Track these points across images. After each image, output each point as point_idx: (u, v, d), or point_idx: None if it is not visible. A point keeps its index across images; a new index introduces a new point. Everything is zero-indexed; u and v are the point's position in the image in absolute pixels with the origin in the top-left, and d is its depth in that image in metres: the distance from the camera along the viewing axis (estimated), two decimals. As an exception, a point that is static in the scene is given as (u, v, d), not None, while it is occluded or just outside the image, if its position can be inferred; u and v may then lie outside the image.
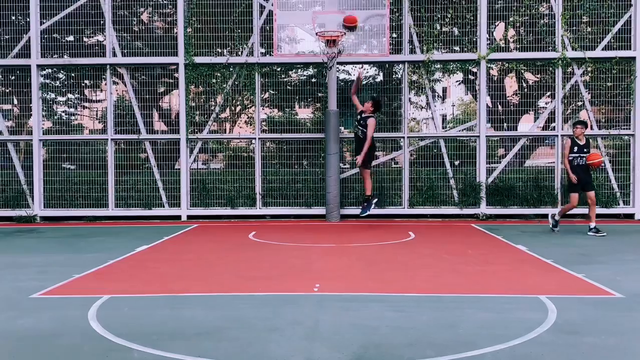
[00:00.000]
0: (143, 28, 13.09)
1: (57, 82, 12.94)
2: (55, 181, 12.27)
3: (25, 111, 12.79)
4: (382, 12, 11.01)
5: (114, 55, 12.20)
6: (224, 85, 12.28)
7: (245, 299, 5.45)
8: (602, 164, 10.13)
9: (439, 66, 12.16)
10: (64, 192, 12.27)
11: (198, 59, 12.09)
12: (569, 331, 4.40)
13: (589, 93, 12.05)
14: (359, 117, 10.46)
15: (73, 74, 12.51)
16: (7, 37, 12.45)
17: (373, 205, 10.41)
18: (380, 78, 13.33)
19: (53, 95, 12.94)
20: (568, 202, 9.93)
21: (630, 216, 11.85)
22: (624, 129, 12.05)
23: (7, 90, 12.89)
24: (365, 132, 10.21)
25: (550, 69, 11.99)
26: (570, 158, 9.71)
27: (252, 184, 12.27)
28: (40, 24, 12.15)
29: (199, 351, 3.99)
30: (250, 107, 12.59)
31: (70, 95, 13.35)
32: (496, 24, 12.64)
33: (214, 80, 12.33)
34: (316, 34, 10.92)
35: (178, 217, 12.18)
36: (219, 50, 12.36)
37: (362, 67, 10.82)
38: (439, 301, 5.34)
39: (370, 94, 12.97)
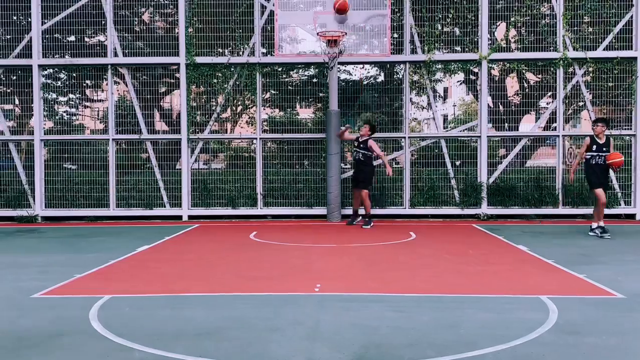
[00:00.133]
0: (144, 28, 13.10)
1: (59, 82, 12.95)
2: (57, 181, 12.28)
3: (27, 111, 12.81)
4: (383, 12, 11.01)
5: (115, 55, 12.21)
6: (225, 85, 12.28)
7: (246, 299, 5.45)
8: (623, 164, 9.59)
9: (440, 66, 12.15)
10: (65, 192, 12.28)
11: (199, 59, 12.09)
12: (570, 331, 4.40)
13: (590, 93, 12.04)
14: (356, 143, 10.83)
15: (74, 74, 12.52)
16: (8, 37, 12.47)
17: (371, 224, 10.76)
18: (381, 78, 13.34)
19: (54, 95, 12.95)
20: (595, 202, 9.50)
21: (632, 216, 11.85)
22: (625, 129, 12.03)
23: (9, 90, 12.90)
24: (366, 154, 10.68)
25: (552, 69, 11.98)
26: (588, 157, 9.44)
27: (253, 184, 12.27)
28: (42, 24, 12.17)
29: (200, 351, 3.99)
30: (252, 107, 12.59)
31: (71, 95, 13.37)
32: (497, 24, 12.64)
33: (215, 80, 12.33)
34: (317, 34, 10.93)
35: (179, 217, 12.18)
36: (220, 50, 12.36)
37: (347, 126, 11.15)
38: (440, 301, 5.34)
39: (372, 94, 12.98)
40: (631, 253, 7.95)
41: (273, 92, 12.76)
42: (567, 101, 12.14)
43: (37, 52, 12.15)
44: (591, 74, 12.01)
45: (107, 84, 12.39)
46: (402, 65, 12.31)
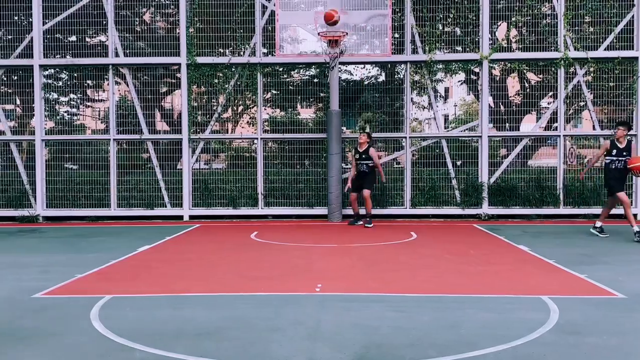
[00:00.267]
0: (145, 28, 13.11)
1: (60, 82, 12.97)
2: (58, 181, 12.29)
3: (28, 111, 12.82)
4: (384, 12, 11.01)
5: (117, 55, 12.22)
6: (226, 86, 12.29)
7: (246, 299, 5.45)
8: None
9: (441, 66, 12.15)
10: (66, 192, 12.29)
11: (200, 59, 12.10)
12: (571, 331, 4.39)
13: (591, 93, 12.03)
14: (357, 155, 10.88)
15: (75, 74, 12.53)
16: (9, 37, 12.48)
17: (371, 224, 10.88)
18: (382, 78, 13.34)
19: (55, 96, 12.96)
20: (623, 206, 9.13)
21: (633, 216, 11.81)
22: (626, 129, 12.02)
23: (10, 91, 12.92)
24: (369, 165, 10.75)
25: (553, 69, 11.98)
26: (608, 161, 9.18)
27: (254, 184, 12.28)
28: (43, 24, 12.18)
29: (201, 351, 3.99)
30: (252, 107, 12.60)
31: (72, 96, 13.38)
32: (498, 24, 12.63)
33: (216, 81, 12.34)
34: (318, 34, 10.93)
35: (180, 217, 12.19)
36: (221, 51, 12.36)
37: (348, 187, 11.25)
38: (441, 301, 5.34)
39: (372, 94, 12.97)
40: (632, 253, 7.95)
41: (274, 92, 12.77)
42: (568, 101, 12.13)
43: (38, 52, 12.16)
44: (592, 74, 12.01)
45: (108, 84, 12.41)
46: (403, 65, 12.30)
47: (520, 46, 12.28)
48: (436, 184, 12.08)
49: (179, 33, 12.24)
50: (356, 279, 6.37)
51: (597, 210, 11.76)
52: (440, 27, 12.12)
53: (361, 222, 11.09)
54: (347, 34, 11.01)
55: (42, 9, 12.14)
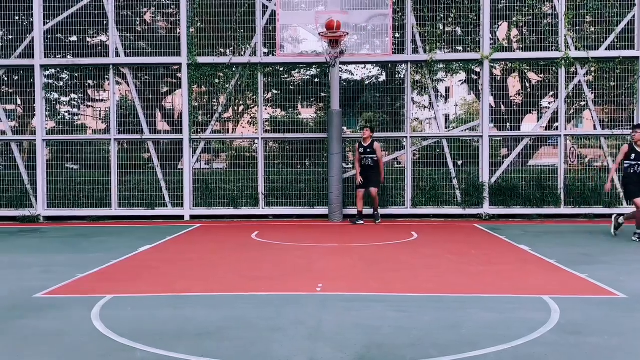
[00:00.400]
0: (146, 28, 13.11)
1: (61, 82, 12.97)
2: (59, 181, 12.29)
3: (29, 111, 12.83)
4: (385, 12, 11.00)
5: (117, 55, 12.22)
6: (227, 86, 12.29)
7: (247, 299, 5.45)
8: None
9: (441, 66, 12.14)
10: (67, 192, 12.29)
11: (201, 59, 12.10)
12: (572, 331, 4.39)
13: (592, 93, 12.02)
14: (362, 149, 11.11)
15: (76, 74, 12.54)
16: (10, 37, 12.49)
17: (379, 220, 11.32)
18: (383, 78, 13.33)
19: (56, 96, 12.97)
20: (637, 210, 8.84)
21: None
22: (627, 128, 12.00)
23: (11, 91, 12.92)
24: (374, 159, 11.05)
25: (554, 68, 11.97)
26: (626, 165, 8.88)
27: (254, 184, 12.27)
28: (44, 24, 12.17)
29: (202, 351, 3.99)
30: (253, 107, 12.60)
31: (73, 96, 13.39)
32: (499, 23, 12.62)
33: (216, 80, 12.34)
34: (319, 33, 10.93)
35: (181, 217, 12.19)
36: (222, 50, 12.36)
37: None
38: (442, 301, 5.34)
39: (373, 94, 12.97)
40: (633, 253, 7.94)
41: (275, 92, 12.77)
42: (569, 101, 12.12)
43: (39, 52, 12.16)
44: (593, 74, 11.99)
45: (109, 84, 12.41)
46: (403, 65, 12.30)
47: (521, 46, 12.27)
48: (437, 183, 12.08)
49: (179, 33, 12.23)
50: (357, 278, 6.37)
51: (598, 210, 11.79)
52: (441, 27, 12.11)
53: (362, 222, 11.11)
54: (347, 33, 11.01)
55: (43, 9, 12.13)
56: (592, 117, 12.03)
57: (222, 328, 4.53)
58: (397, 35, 12.09)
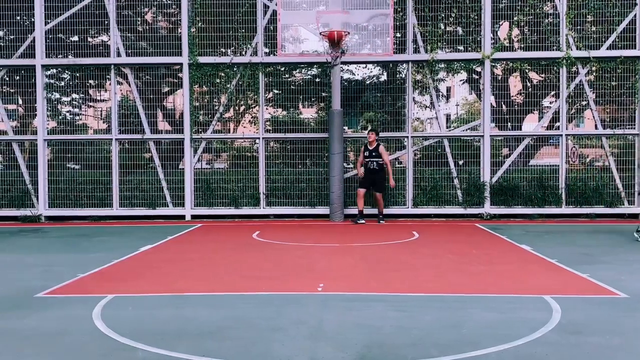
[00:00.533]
0: (147, 28, 13.11)
1: (62, 82, 12.98)
2: (60, 181, 12.29)
3: (30, 111, 12.84)
4: (386, 12, 10.99)
5: (118, 55, 12.22)
6: (228, 85, 12.29)
7: (248, 299, 5.45)
8: None
9: (443, 66, 12.13)
10: (68, 192, 12.29)
11: (202, 59, 12.10)
12: (573, 331, 4.39)
13: (593, 92, 12.01)
14: (367, 152, 11.23)
15: (77, 74, 12.55)
16: (12, 37, 12.49)
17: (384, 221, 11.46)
18: (384, 78, 13.32)
19: (58, 95, 12.98)
20: None
21: (635, 216, 11.80)
22: (628, 128, 12.01)
23: (12, 91, 12.93)
24: (379, 162, 11.17)
25: (555, 68, 11.95)
26: None
27: (255, 183, 12.28)
28: (45, 24, 12.18)
29: (203, 350, 4.00)
30: (254, 106, 12.59)
31: (74, 95, 13.40)
32: (500, 23, 12.61)
33: (218, 80, 12.34)
34: (320, 33, 10.92)
35: (182, 217, 12.20)
36: (223, 50, 12.36)
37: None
38: (443, 301, 5.33)
39: (374, 93, 12.97)
40: (634, 252, 7.93)
41: (276, 91, 12.77)
42: (570, 100, 12.10)
43: (40, 52, 12.17)
44: (594, 73, 11.98)
45: (110, 84, 12.41)
46: (404, 65, 12.29)
47: (522, 45, 12.25)
48: (438, 183, 12.07)
49: (180, 33, 12.24)
50: (358, 278, 6.37)
51: (599, 209, 11.78)
52: (442, 27, 12.10)
53: (363, 221, 11.13)
54: (348, 33, 11.01)
55: (44, 9, 12.14)
56: (594, 116, 12.02)
57: (223, 328, 4.53)
58: (398, 34, 12.08)
